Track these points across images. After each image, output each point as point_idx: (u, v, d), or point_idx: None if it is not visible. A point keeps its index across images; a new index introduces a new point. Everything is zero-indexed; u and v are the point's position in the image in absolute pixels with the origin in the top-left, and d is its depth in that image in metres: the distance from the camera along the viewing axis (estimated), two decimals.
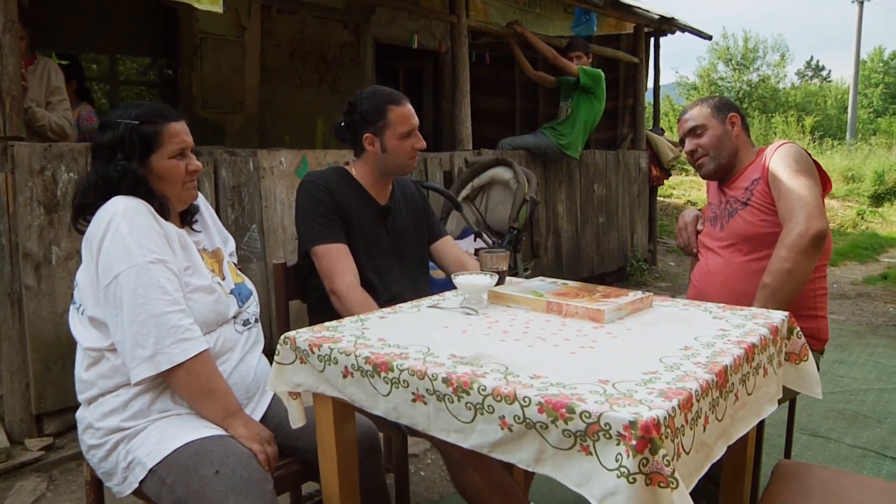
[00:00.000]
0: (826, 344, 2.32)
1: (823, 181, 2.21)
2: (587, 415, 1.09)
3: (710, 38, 7.58)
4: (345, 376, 1.47)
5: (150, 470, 1.60)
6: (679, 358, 1.36)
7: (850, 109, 29.12)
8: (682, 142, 2.49)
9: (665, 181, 8.12)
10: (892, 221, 12.90)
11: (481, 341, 1.51)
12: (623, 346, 1.47)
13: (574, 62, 5.47)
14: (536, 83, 6.58)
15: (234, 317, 1.86)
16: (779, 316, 1.70)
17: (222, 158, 3.63)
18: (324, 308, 2.29)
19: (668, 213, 11.23)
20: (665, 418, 1.07)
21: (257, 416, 1.83)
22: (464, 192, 4.36)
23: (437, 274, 2.79)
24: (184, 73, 6.61)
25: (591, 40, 6.51)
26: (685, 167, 14.58)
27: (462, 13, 5.04)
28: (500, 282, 1.98)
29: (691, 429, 1.16)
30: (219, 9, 3.44)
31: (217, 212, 3.61)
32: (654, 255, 7.78)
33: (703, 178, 2.49)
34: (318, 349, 1.52)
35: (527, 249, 4.31)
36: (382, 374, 1.38)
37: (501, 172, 4.31)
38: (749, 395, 1.46)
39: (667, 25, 7.07)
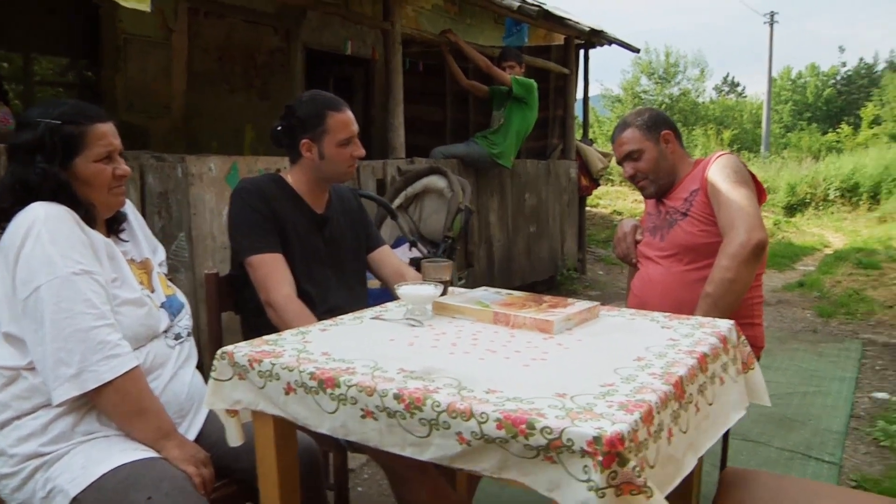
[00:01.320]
0: (762, 351, 2.36)
1: (759, 192, 2.25)
2: (548, 430, 1.06)
3: (638, 50, 7.75)
4: (287, 393, 1.40)
5: (74, 498, 1.49)
6: (634, 369, 1.34)
7: (764, 124, 30.37)
8: (620, 164, 2.51)
9: (593, 191, 8.25)
10: (805, 231, 13.45)
11: (430, 354, 1.46)
12: (575, 357, 1.44)
13: (507, 72, 5.49)
14: (467, 92, 6.59)
15: (166, 331, 1.76)
16: (725, 324, 1.71)
17: (149, 164, 3.49)
18: (259, 321, 2.21)
19: (596, 222, 11.42)
20: (629, 432, 1.05)
21: (192, 436, 1.73)
22: (397, 201, 4.31)
23: (371, 284, 2.73)
24: (106, 74, 6.36)
25: (522, 51, 6.56)
26: (612, 177, 14.91)
27: (396, 20, 5.00)
28: (444, 292, 1.94)
29: (654, 442, 1.14)
30: (146, 7, 3.30)
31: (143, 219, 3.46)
32: (584, 263, 7.88)
33: (647, 198, 2.52)
34: (259, 364, 1.45)
35: (460, 259, 4.29)
36: (329, 391, 1.32)
37: (435, 181, 4.28)
38: (710, 405, 1.46)
39: (596, 38, 7.18)
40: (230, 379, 1.51)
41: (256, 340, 1.59)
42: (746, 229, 2.05)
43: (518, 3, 5.73)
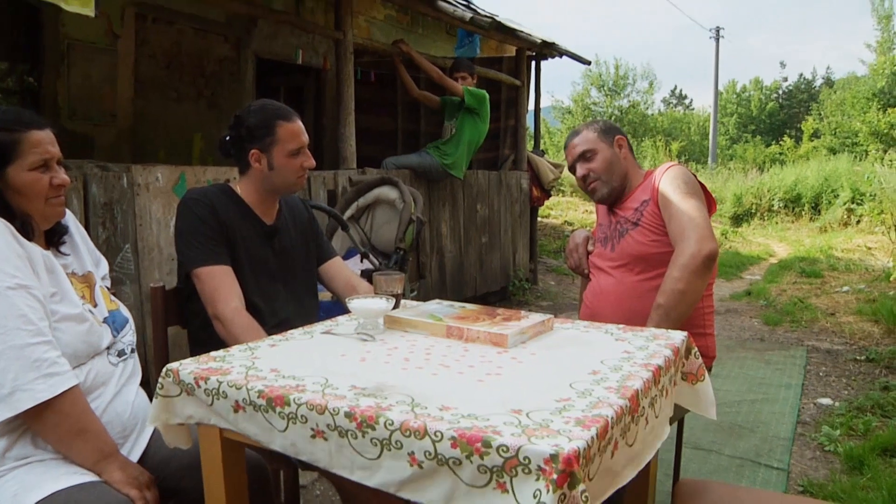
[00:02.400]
0: (714, 361, 2.38)
1: (709, 202, 2.27)
2: (504, 449, 1.04)
3: (589, 62, 7.84)
4: (236, 411, 1.36)
5: None
6: (589, 383, 1.33)
7: (711, 136, 31.06)
8: (571, 168, 2.50)
9: (545, 202, 8.30)
10: (751, 241, 13.76)
11: (382, 370, 1.44)
12: (530, 371, 1.43)
13: (459, 82, 5.50)
14: (418, 103, 6.58)
15: (108, 347, 1.70)
16: (679, 336, 1.71)
17: (92, 173, 3.39)
18: (206, 335, 2.15)
19: (547, 233, 11.50)
20: (584, 449, 1.03)
21: (135, 457, 1.67)
22: (348, 212, 4.26)
23: (322, 296, 2.69)
24: (48, 80, 6.18)
25: (475, 62, 6.58)
26: (563, 188, 15.05)
27: (348, 29, 4.96)
28: (396, 305, 1.91)
29: (599, 455, 1.13)
30: (90, 12, 3.22)
31: (87, 230, 3.34)
32: (536, 274, 7.92)
33: (597, 202, 2.51)
34: (205, 382, 1.40)
35: (412, 271, 4.26)
36: (278, 409, 1.28)
37: (387, 192, 4.25)
38: (656, 417, 1.45)
39: (548, 50, 7.25)
40: (178, 395, 1.46)
41: (203, 357, 1.54)
42: (697, 240, 2.07)
43: (471, 15, 5.75)
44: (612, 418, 1.16)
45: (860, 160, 18.23)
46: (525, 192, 7.43)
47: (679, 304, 2.07)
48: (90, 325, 1.63)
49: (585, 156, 2.43)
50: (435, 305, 1.98)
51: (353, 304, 1.74)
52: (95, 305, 1.72)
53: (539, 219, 9.15)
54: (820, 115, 30.61)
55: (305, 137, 2.29)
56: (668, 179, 2.26)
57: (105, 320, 1.72)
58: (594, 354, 1.55)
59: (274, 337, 1.74)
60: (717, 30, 31.51)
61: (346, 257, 4.19)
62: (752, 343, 5.79)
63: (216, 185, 2.35)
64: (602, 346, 1.63)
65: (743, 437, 3.61)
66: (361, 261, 3.68)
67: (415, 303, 2.12)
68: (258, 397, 1.31)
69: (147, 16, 6.75)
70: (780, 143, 29.15)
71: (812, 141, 27.27)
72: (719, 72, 31.13)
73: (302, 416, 1.25)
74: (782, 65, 67.40)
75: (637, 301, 2.24)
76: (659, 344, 1.65)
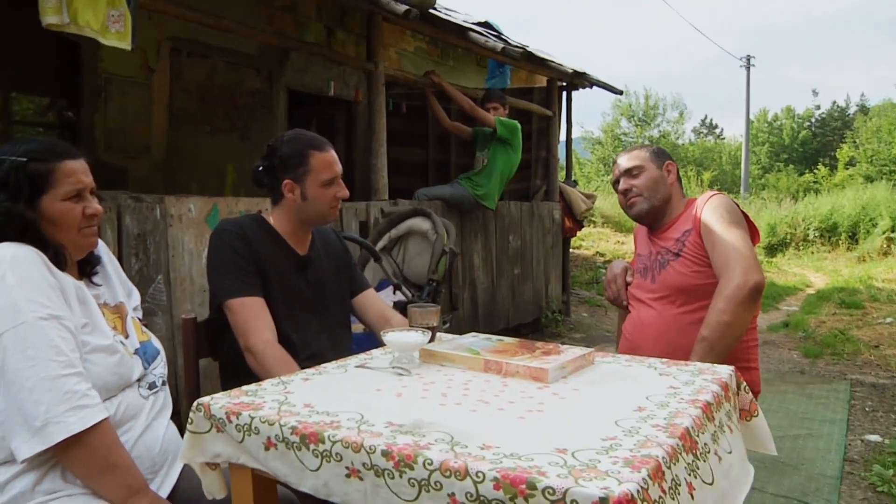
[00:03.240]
0: (759, 396, 2.29)
1: (752, 232, 2.21)
2: (550, 491, 0.98)
3: (621, 92, 7.80)
4: (267, 448, 1.31)
5: None
6: (636, 420, 1.27)
7: (743, 165, 30.77)
8: (615, 182, 2.45)
9: (577, 232, 8.23)
10: (786, 271, 13.52)
11: (419, 406, 1.38)
12: (573, 408, 1.37)
13: (491, 113, 5.48)
14: (449, 134, 6.57)
15: (139, 379, 1.67)
16: (725, 370, 1.64)
17: (126, 204, 3.40)
18: (238, 368, 2.11)
19: (579, 264, 11.40)
20: (638, 491, 0.97)
21: (165, 493, 1.62)
22: (381, 243, 4.24)
23: (354, 328, 2.65)
24: (86, 114, 6.28)
25: (505, 93, 6.57)
26: (595, 219, 14.96)
27: (379, 61, 4.98)
28: (432, 338, 1.86)
29: (673, 499, 1.06)
30: (127, 46, 3.26)
31: (120, 261, 3.34)
32: (568, 305, 7.82)
33: (634, 217, 2.43)
34: (237, 417, 1.36)
35: (445, 302, 4.22)
36: (311, 447, 1.23)
37: (420, 223, 4.22)
38: (729, 454, 1.38)
39: (579, 80, 7.23)
40: (208, 431, 1.42)
41: (235, 391, 1.50)
42: (743, 271, 2.00)
43: (502, 46, 5.75)
44: (663, 458, 1.10)
45: None
46: (557, 222, 7.37)
47: (724, 336, 2.00)
48: (121, 356, 1.60)
49: (632, 172, 2.38)
50: (471, 339, 1.92)
51: (389, 337, 1.70)
52: (127, 337, 1.70)
53: (571, 250, 9.08)
54: (855, 142, 30.25)
55: (339, 167, 2.27)
56: (710, 209, 2.19)
57: (136, 351, 1.69)
58: (638, 390, 1.48)
59: (307, 371, 1.70)
60: (748, 58, 31.36)
61: (378, 289, 4.16)
62: (793, 376, 5.64)
63: (249, 215, 2.33)
64: (646, 382, 1.56)
65: (787, 474, 3.48)
66: (394, 292, 3.64)
67: (450, 336, 2.07)
68: (291, 434, 1.26)
69: (182, 50, 6.85)
70: (815, 171, 28.83)
71: (847, 169, 26.91)
72: (750, 100, 30.85)
73: (337, 454, 1.20)
74: (814, 93, 67.01)
75: (679, 334, 2.17)
76: (705, 379, 1.57)
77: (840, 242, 15.77)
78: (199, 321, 2.25)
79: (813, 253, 15.77)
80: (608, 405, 1.38)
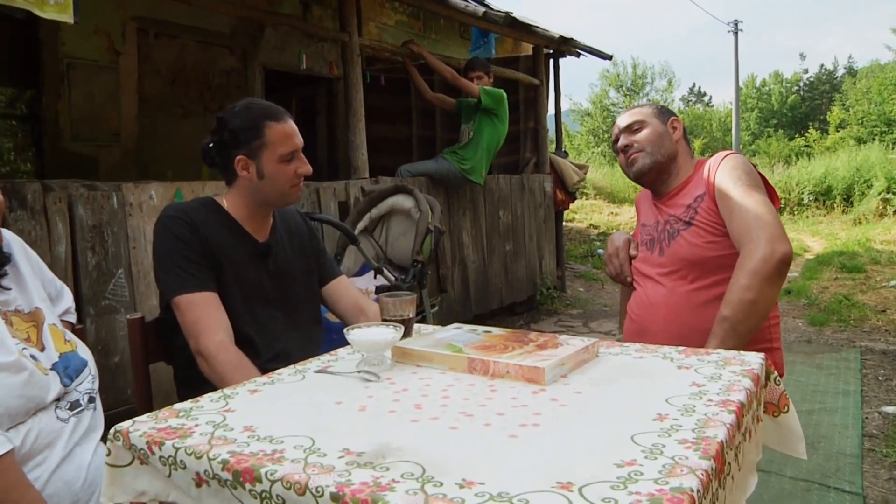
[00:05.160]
0: (783, 379, 2.03)
1: (771, 197, 1.93)
2: None
3: (610, 57, 7.46)
4: (199, 485, 1.05)
5: None
6: (658, 434, 1.00)
7: (734, 132, 30.49)
8: (615, 141, 2.16)
9: (570, 205, 7.94)
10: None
11: (386, 423, 1.12)
12: (577, 419, 1.10)
13: (475, 82, 5.17)
14: (434, 108, 6.27)
15: (58, 399, 1.40)
16: (756, 360, 1.38)
17: (78, 194, 3.11)
18: (193, 374, 1.84)
19: (573, 237, 11.13)
20: None
21: None
22: (361, 224, 3.95)
23: (333, 316, 2.37)
24: (48, 102, 5.96)
25: (492, 62, 6.26)
26: (587, 191, 14.67)
27: (353, 31, 4.66)
28: (407, 333, 1.59)
29: None
30: (69, 19, 2.97)
31: (74, 256, 3.09)
32: (564, 281, 7.56)
33: (635, 177, 2.12)
34: (160, 448, 1.09)
35: (433, 284, 3.94)
36: (248, 486, 0.97)
37: (402, 201, 3.93)
38: (739, 470, 1.12)
39: (566, 46, 6.90)
40: (130, 464, 1.15)
41: (164, 411, 1.23)
42: (767, 240, 1.72)
43: (483, 10, 5.44)
44: (697, 492, 0.84)
45: (893, 148, 17.66)
46: (549, 195, 7.08)
47: (749, 316, 1.72)
48: (30, 374, 1.33)
49: (632, 127, 2.09)
50: (453, 331, 1.64)
51: (353, 335, 1.42)
52: (42, 349, 1.42)
53: (564, 223, 8.80)
54: (844, 104, 29.95)
55: (299, 140, 1.98)
56: (725, 170, 1.91)
57: (54, 366, 1.42)
58: (656, 390, 1.21)
59: (258, 380, 1.43)
60: (736, 23, 30.92)
61: (360, 273, 3.89)
62: (800, 346, 5.40)
63: (198, 199, 2.05)
64: (663, 378, 1.29)
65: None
66: (375, 277, 3.37)
67: (430, 327, 1.80)
68: (223, 469, 1.00)
69: (149, 31, 6.54)
70: (806, 135, 28.56)
71: (839, 132, 26.63)
72: (739, 67, 30.46)
73: (277, 496, 0.93)
74: (802, 56, 66.48)
75: (692, 314, 1.90)
76: (734, 371, 1.31)
77: (835, 206, 15.55)
78: (147, 321, 1.98)
79: (808, 217, 15.53)
80: (620, 413, 1.11)
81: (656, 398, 1.17)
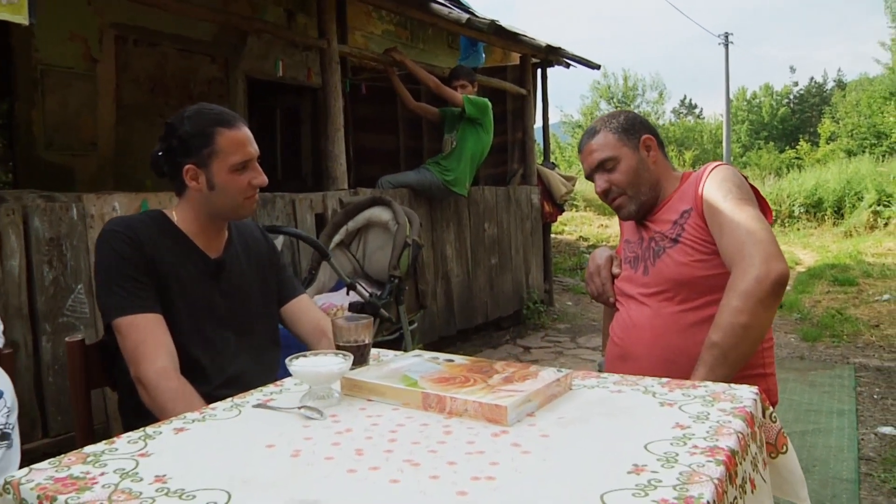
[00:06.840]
0: (777, 407, 1.88)
1: (764, 211, 1.78)
2: None
3: (598, 67, 7.34)
4: None
5: None
6: (632, 493, 0.85)
7: (724, 144, 30.51)
8: (589, 176, 2.01)
9: (558, 217, 7.80)
10: None
11: (317, 474, 0.96)
12: (539, 471, 0.94)
13: (459, 91, 5.03)
14: (420, 118, 6.14)
15: None
16: (748, 394, 1.23)
17: (34, 205, 2.95)
18: (138, 401, 1.69)
19: (561, 249, 11.00)
20: None
21: None
22: (337, 237, 3.79)
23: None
24: (21, 109, 5.78)
25: (477, 72, 6.12)
26: (576, 203, 14.56)
27: (332, 38, 4.52)
28: (362, 361, 1.44)
29: None
30: (23, 20, 2.82)
31: (29, 270, 2.93)
32: (551, 295, 7.41)
33: (624, 220, 2.01)
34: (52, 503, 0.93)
35: (411, 300, 3.79)
36: None
37: (379, 213, 3.78)
38: None
39: (554, 56, 6.78)
40: None
41: (70, 456, 1.07)
42: (762, 259, 1.56)
43: (467, 17, 5.30)
44: None
45: (883, 160, 17.64)
46: (536, 207, 6.94)
47: (741, 342, 1.57)
48: None
49: (605, 165, 1.92)
50: (413, 359, 1.48)
51: (296, 366, 1.27)
52: None
53: (552, 235, 8.66)
54: (833, 117, 30.03)
55: (254, 148, 1.83)
56: (714, 183, 1.76)
57: None
58: (634, 433, 1.06)
59: (188, 416, 1.27)
60: (727, 35, 30.98)
61: (335, 289, 3.73)
62: (792, 362, 5.27)
63: (146, 212, 1.90)
64: (643, 418, 1.14)
65: None
66: (348, 293, 3.21)
67: (390, 353, 1.64)
68: None
69: (128, 38, 6.38)
70: (796, 147, 28.59)
71: (829, 144, 26.66)
72: (729, 79, 30.51)
73: None
74: (792, 69, 66.19)
75: (679, 336, 1.75)
76: (723, 409, 1.16)
77: (826, 218, 15.48)
78: (89, 344, 1.83)
79: (799, 229, 15.46)
80: (590, 464, 0.96)
81: (633, 444, 1.01)
